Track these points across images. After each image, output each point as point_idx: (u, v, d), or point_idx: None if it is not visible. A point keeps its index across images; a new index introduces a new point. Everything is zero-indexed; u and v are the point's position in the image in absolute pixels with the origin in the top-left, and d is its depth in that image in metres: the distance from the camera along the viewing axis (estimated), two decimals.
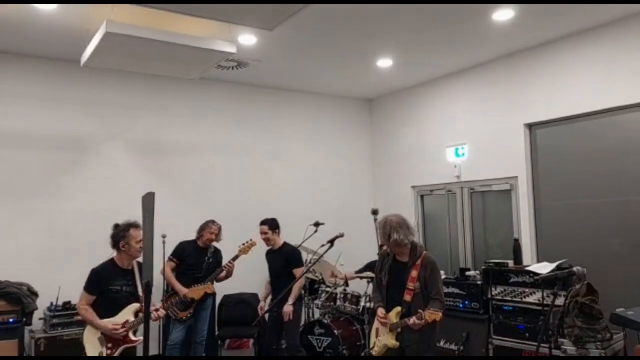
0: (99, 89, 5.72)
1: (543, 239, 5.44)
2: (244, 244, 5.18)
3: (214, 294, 5.27)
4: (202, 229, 5.13)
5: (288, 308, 4.85)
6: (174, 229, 5.28)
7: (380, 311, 3.64)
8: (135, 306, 3.61)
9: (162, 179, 6.04)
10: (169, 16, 4.03)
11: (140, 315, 3.57)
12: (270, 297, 5.19)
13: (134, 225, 3.62)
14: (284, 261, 4.97)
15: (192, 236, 5.19)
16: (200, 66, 4.79)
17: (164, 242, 5.20)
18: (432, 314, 3.27)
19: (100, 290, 3.56)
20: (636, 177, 4.67)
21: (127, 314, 3.56)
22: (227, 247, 5.27)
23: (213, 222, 5.19)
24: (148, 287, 1.91)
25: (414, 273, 3.51)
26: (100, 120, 5.71)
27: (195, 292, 4.15)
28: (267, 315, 4.96)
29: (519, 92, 5.61)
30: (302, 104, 7.19)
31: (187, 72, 4.99)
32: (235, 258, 5.13)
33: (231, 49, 4.41)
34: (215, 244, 5.20)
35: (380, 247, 4.71)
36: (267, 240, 5.09)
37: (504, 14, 4.60)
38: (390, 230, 3.54)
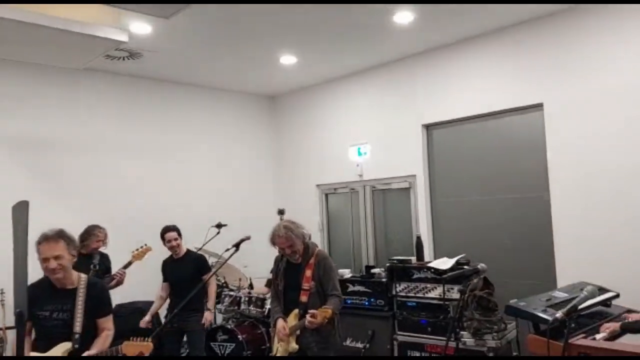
0: None
1: (439, 234, 5.67)
2: (137, 250, 4.84)
3: None
4: (86, 236, 4.67)
5: (210, 315, 4.65)
6: None
7: (281, 325, 3.55)
8: (66, 346, 2.78)
9: (42, 180, 5.42)
10: None
11: None
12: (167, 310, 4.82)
13: (42, 239, 2.81)
14: (192, 269, 4.62)
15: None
16: (85, 55, 4.35)
17: None
18: (323, 312, 3.25)
19: (30, 315, 2.63)
20: (524, 175, 5.01)
21: (56, 353, 2.78)
22: (118, 253, 4.86)
23: (98, 227, 4.74)
24: (20, 318, 1.59)
25: (308, 272, 3.50)
26: None
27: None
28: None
29: (417, 93, 5.79)
30: (201, 99, 6.85)
31: (70, 60, 4.52)
32: (128, 265, 4.75)
33: (122, 37, 4.04)
34: (102, 249, 4.78)
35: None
36: (175, 247, 4.69)
37: (404, 17, 4.70)
38: (300, 230, 3.51)
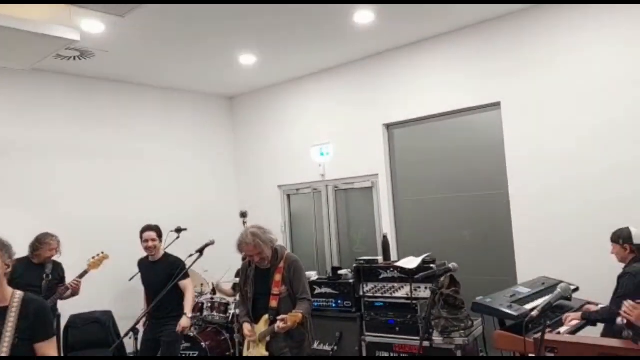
0: None
1: (402, 233, 5.71)
2: (93, 258, 4.64)
3: (57, 315, 4.63)
4: (38, 245, 4.43)
5: (186, 321, 4.31)
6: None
7: (246, 327, 3.49)
8: None
9: None
10: None
11: None
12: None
13: None
14: (168, 273, 4.34)
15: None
16: (34, 55, 4.08)
17: None
18: (293, 317, 3.21)
19: None
20: (484, 173, 5.10)
21: None
22: (73, 262, 4.64)
23: (50, 235, 4.52)
24: None
25: (278, 277, 3.43)
26: None
27: None
28: (135, 337, 4.41)
29: (379, 92, 5.80)
30: (157, 100, 6.63)
31: (17, 61, 4.23)
32: (84, 274, 4.54)
33: (74, 35, 3.81)
34: (55, 257, 4.56)
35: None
36: (152, 248, 4.45)
37: (364, 16, 4.70)
38: (268, 236, 3.43)
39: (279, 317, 3.24)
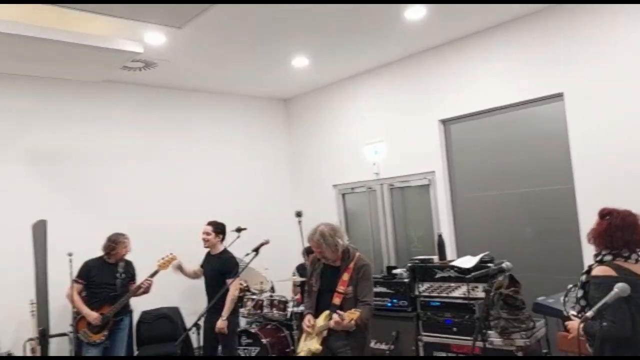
0: None
1: (461, 231, 5.58)
2: (163, 259, 4.89)
3: (130, 311, 4.90)
4: (113, 245, 4.71)
5: (221, 323, 4.53)
6: (81, 245, 4.76)
7: (307, 319, 3.55)
8: None
9: (64, 191, 5.49)
10: (65, 13, 3.61)
11: None
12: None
13: None
14: (217, 268, 4.69)
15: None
16: (104, 67, 4.41)
17: (70, 261, 4.71)
18: (351, 314, 3.18)
19: None
20: (546, 167, 4.89)
21: None
22: (141, 262, 4.91)
23: (121, 234, 4.81)
24: (44, 337, 1.58)
25: (345, 276, 3.45)
26: None
27: None
28: (198, 332, 4.64)
29: (432, 88, 5.71)
30: (215, 105, 6.88)
31: (89, 74, 4.59)
32: (154, 274, 4.81)
33: (137, 48, 4.08)
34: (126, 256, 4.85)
35: (307, 249, 4.63)
36: (205, 241, 4.82)
37: (415, 12, 4.65)
38: (335, 240, 3.47)
39: (337, 312, 3.23)
